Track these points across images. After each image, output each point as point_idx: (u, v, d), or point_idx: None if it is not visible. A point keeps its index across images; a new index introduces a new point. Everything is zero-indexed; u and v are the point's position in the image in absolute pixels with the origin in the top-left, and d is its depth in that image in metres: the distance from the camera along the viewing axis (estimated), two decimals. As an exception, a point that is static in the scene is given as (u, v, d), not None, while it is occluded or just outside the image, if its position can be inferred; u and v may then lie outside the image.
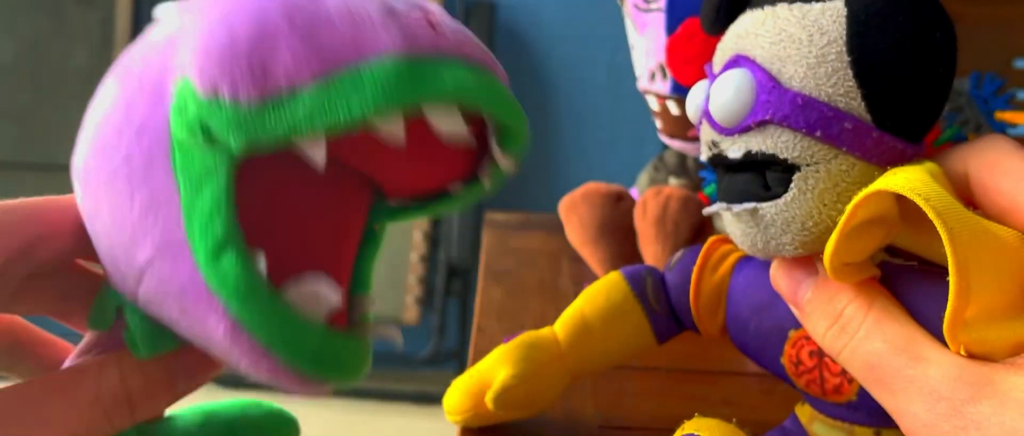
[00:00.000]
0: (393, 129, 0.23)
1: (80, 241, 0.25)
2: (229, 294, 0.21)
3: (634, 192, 0.59)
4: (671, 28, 0.48)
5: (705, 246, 0.32)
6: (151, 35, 0.25)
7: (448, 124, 0.23)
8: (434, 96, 0.22)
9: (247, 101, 0.21)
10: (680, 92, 0.49)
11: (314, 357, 0.23)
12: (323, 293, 0.25)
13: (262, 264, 0.22)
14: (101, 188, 0.23)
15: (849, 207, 0.22)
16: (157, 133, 0.22)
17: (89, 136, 0.24)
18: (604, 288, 0.34)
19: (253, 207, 0.23)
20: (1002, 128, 0.35)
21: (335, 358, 0.23)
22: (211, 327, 0.22)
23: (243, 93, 0.21)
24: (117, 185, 0.23)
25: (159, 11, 0.27)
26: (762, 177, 0.25)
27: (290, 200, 0.27)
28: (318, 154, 0.22)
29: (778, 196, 0.24)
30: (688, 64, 0.47)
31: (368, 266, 0.29)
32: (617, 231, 0.52)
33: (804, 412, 0.31)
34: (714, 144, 0.26)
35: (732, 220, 0.26)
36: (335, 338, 0.23)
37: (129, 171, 0.22)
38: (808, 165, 0.24)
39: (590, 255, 0.53)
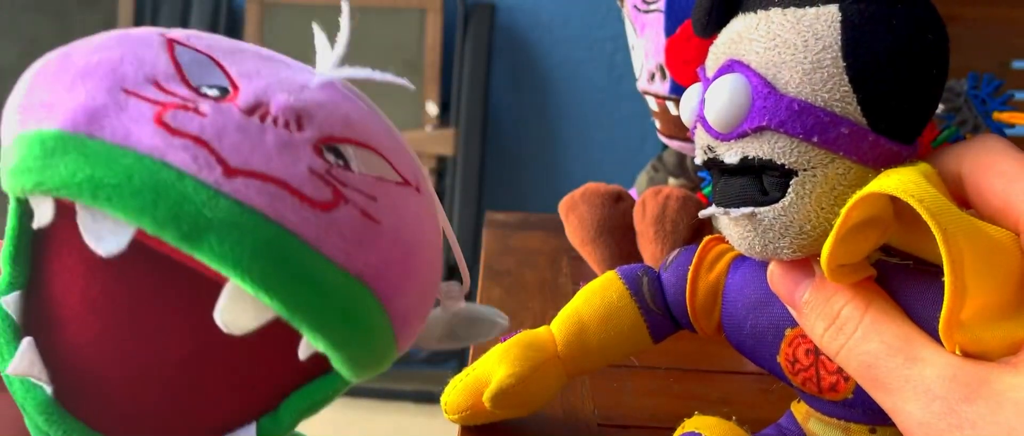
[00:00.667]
0: (42, 213, 0.20)
1: None
2: None
3: (633, 192, 0.59)
4: (670, 29, 0.48)
5: (701, 245, 0.32)
6: None
7: (99, 236, 0.19)
8: (63, 188, 0.18)
9: None
10: (679, 93, 0.49)
11: None
12: None
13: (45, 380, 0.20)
14: None
15: (844, 209, 0.22)
16: None
17: None
18: (600, 288, 0.34)
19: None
20: (1000, 129, 0.35)
21: None
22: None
23: None
24: None
25: None
26: (759, 181, 0.25)
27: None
28: (44, 215, 0.20)
29: (775, 200, 0.24)
30: (687, 65, 0.47)
31: (291, 407, 0.23)
32: (616, 231, 0.52)
33: (800, 410, 0.31)
34: (710, 149, 0.26)
35: (729, 223, 0.26)
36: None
37: None
38: (805, 170, 0.24)
39: (589, 255, 0.54)
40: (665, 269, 0.33)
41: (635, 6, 0.51)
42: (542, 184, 1.68)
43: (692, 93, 0.27)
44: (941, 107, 0.36)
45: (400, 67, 1.63)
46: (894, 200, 0.23)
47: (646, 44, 0.51)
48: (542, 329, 0.35)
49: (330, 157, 0.21)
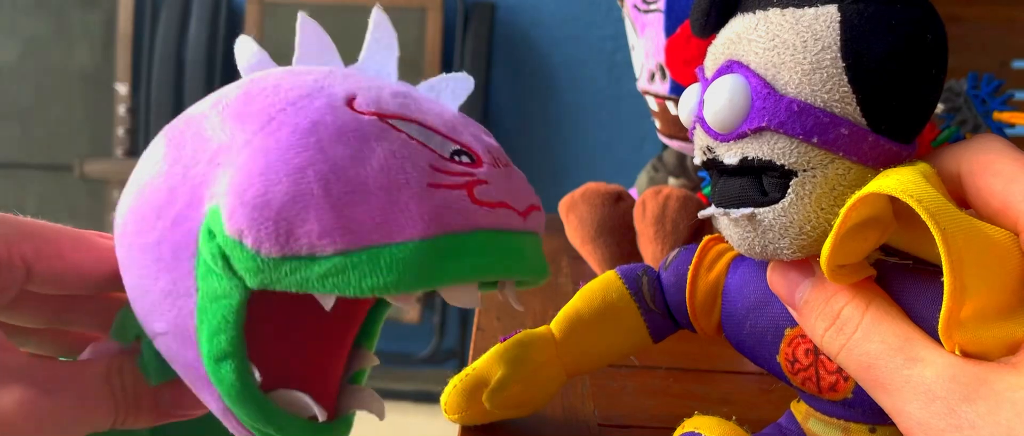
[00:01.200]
0: (404, 301, 0.24)
1: (104, 275, 0.27)
2: (225, 393, 0.23)
3: (633, 192, 0.59)
4: (670, 29, 0.49)
5: (700, 245, 0.32)
6: (210, 115, 0.26)
7: (460, 300, 0.24)
8: (447, 281, 0.23)
9: (267, 253, 0.22)
10: (679, 92, 0.49)
11: None
12: (303, 406, 0.26)
13: (256, 376, 0.24)
14: (134, 251, 0.25)
15: (843, 210, 0.22)
16: (189, 232, 0.23)
17: (132, 192, 0.26)
18: (600, 287, 0.34)
19: (256, 322, 0.24)
20: (1000, 128, 0.35)
21: None
22: (207, 399, 0.25)
23: (265, 247, 0.22)
24: (147, 259, 0.24)
25: (240, 46, 0.29)
26: (758, 182, 0.25)
27: (291, 321, 0.29)
28: (327, 302, 0.23)
29: (775, 201, 0.24)
30: (687, 65, 0.47)
31: (376, 325, 0.31)
32: (616, 231, 0.52)
33: (800, 409, 0.31)
34: (709, 149, 0.26)
35: (729, 224, 0.26)
36: (314, 429, 0.26)
37: (158, 254, 0.24)
38: (805, 170, 0.24)
39: (589, 254, 0.54)
40: (665, 269, 0.33)
41: (635, 6, 0.52)
42: (542, 184, 1.67)
43: (690, 93, 0.27)
44: (941, 107, 0.36)
45: (400, 67, 1.63)
46: (893, 200, 0.23)
47: (646, 44, 0.51)
48: (542, 329, 0.35)
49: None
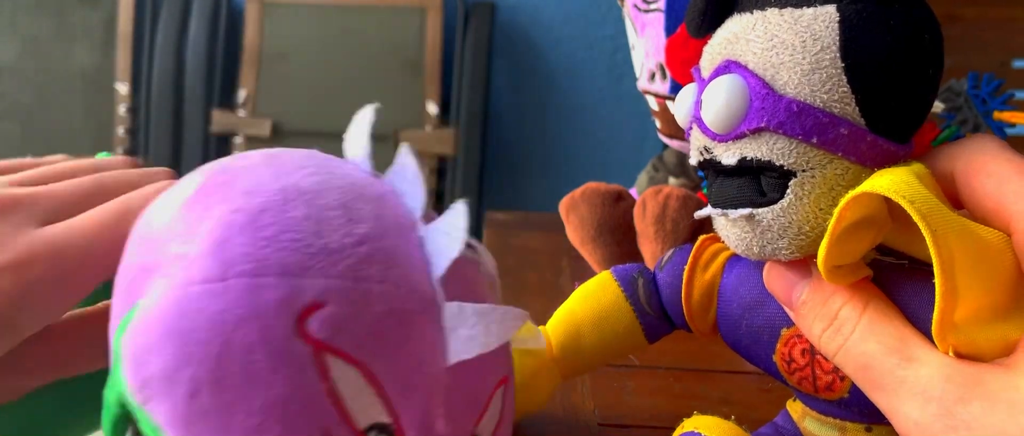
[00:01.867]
0: None
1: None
2: None
3: (633, 192, 0.59)
4: (670, 29, 0.49)
5: (696, 245, 0.32)
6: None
7: None
8: None
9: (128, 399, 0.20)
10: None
11: None
12: None
13: None
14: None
15: (837, 210, 0.22)
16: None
17: (164, 216, 0.22)
18: (595, 289, 0.34)
19: None
20: (1000, 128, 0.35)
21: None
22: None
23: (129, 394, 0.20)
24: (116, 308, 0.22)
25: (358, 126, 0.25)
26: (756, 182, 0.25)
27: None
28: None
29: (774, 201, 0.24)
30: (687, 65, 0.47)
31: None
32: (616, 230, 0.52)
33: (795, 408, 0.31)
34: (706, 150, 0.26)
35: (726, 224, 0.26)
36: None
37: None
38: (804, 171, 0.24)
39: (589, 254, 0.54)
40: (660, 269, 0.33)
41: (635, 5, 0.52)
42: (542, 184, 1.68)
43: (687, 93, 0.27)
44: (941, 106, 0.36)
45: (400, 67, 1.63)
46: (888, 199, 0.23)
47: (646, 43, 0.51)
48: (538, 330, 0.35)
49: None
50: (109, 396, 0.20)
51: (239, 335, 0.19)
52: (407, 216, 0.22)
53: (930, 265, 0.23)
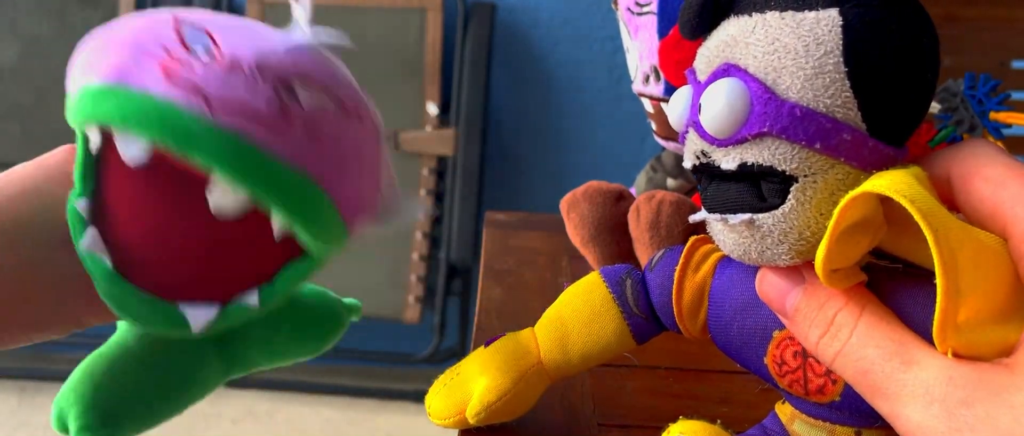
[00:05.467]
0: (92, 137, 0.29)
1: None
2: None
3: (633, 192, 0.59)
4: (663, 31, 0.49)
5: (686, 246, 0.32)
6: None
7: (127, 152, 0.27)
8: (102, 119, 0.27)
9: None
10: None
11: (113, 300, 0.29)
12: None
13: (90, 239, 0.29)
14: None
15: (837, 211, 0.22)
16: None
17: None
18: (582, 290, 0.34)
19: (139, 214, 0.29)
20: (997, 129, 0.35)
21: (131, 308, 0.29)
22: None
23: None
24: None
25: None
26: (755, 187, 0.25)
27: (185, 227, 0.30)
28: (93, 139, 0.29)
29: (775, 207, 0.24)
30: (681, 66, 0.47)
31: (284, 279, 0.31)
32: (616, 230, 0.52)
33: (784, 411, 0.30)
34: (703, 154, 0.25)
35: (723, 229, 0.26)
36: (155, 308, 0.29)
37: None
38: (805, 176, 0.24)
39: (589, 253, 0.54)
40: (651, 270, 0.33)
41: (629, 8, 0.52)
42: (542, 184, 1.68)
43: (681, 96, 0.27)
44: (938, 107, 0.36)
45: (400, 67, 1.63)
46: (884, 203, 0.23)
47: (640, 46, 0.51)
48: (526, 333, 0.34)
49: (284, 95, 0.28)
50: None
51: (134, 15, 0.30)
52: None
53: (924, 268, 0.23)
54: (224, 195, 0.28)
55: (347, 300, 0.37)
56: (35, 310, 0.29)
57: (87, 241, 0.29)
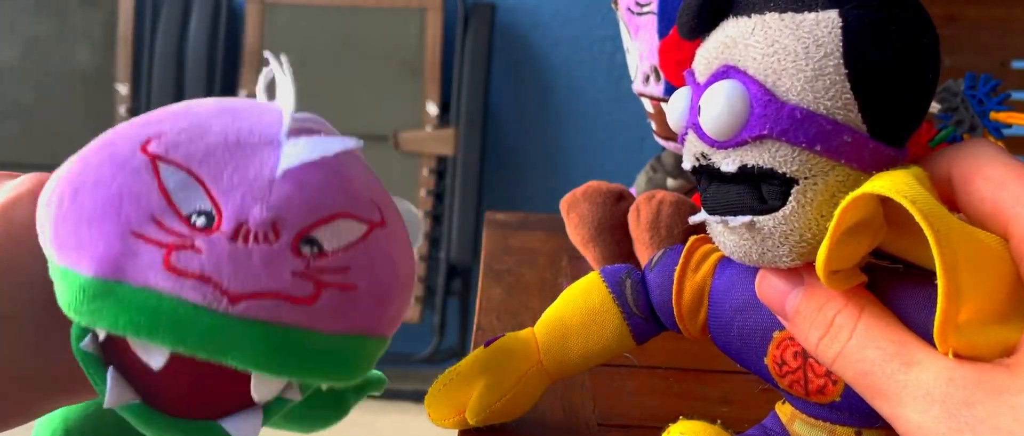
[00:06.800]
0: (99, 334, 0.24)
1: None
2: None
3: (633, 192, 0.59)
4: (663, 31, 0.49)
5: (686, 245, 0.32)
6: None
7: (150, 357, 0.23)
8: (105, 325, 0.23)
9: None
10: (676, 94, 0.49)
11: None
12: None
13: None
14: None
15: (837, 211, 0.22)
16: None
17: None
18: (583, 291, 0.34)
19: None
20: (997, 129, 0.35)
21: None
22: None
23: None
24: None
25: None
26: (756, 189, 0.24)
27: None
28: (151, 357, 0.24)
29: (775, 209, 0.24)
30: (681, 66, 0.47)
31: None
32: (616, 229, 0.52)
33: (784, 411, 0.30)
34: (703, 156, 0.25)
35: (724, 231, 0.26)
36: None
37: None
38: (806, 178, 0.23)
39: (589, 253, 0.54)
40: (651, 269, 0.33)
41: (629, 8, 0.52)
42: (542, 184, 1.68)
43: (679, 97, 0.26)
44: (938, 107, 0.36)
45: (400, 67, 1.63)
46: (884, 203, 0.23)
47: (640, 46, 0.51)
48: (525, 333, 0.34)
49: (306, 250, 0.25)
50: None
51: (94, 159, 0.25)
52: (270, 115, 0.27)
53: (924, 269, 0.23)
54: (262, 388, 0.25)
55: (371, 373, 0.33)
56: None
57: (113, 395, 0.24)
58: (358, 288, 0.25)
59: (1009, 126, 0.34)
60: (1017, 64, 1.07)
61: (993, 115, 0.35)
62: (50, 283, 0.24)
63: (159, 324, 0.22)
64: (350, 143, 0.27)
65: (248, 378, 0.25)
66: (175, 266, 0.23)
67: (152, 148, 0.25)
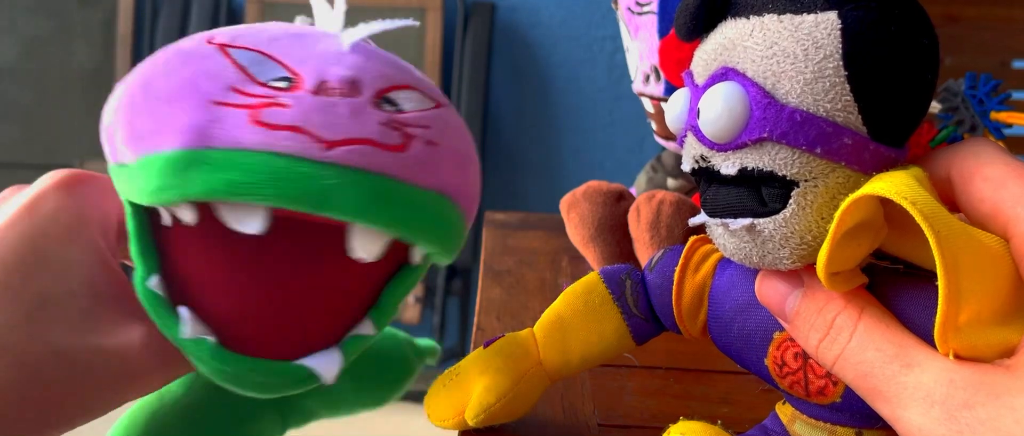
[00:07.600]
0: (183, 214, 0.24)
1: None
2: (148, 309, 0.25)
3: (633, 192, 0.59)
4: (663, 31, 0.49)
5: (686, 246, 0.31)
6: None
7: (245, 224, 0.23)
8: (197, 194, 0.22)
9: (110, 163, 0.25)
10: (675, 94, 0.49)
11: (213, 368, 0.25)
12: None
13: (155, 286, 0.25)
14: None
15: (838, 213, 0.22)
16: None
17: None
18: (582, 291, 0.33)
19: (235, 266, 0.25)
20: (998, 128, 0.35)
21: (232, 374, 0.25)
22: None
23: (108, 157, 0.25)
24: None
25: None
26: (756, 192, 0.24)
27: (284, 270, 0.26)
28: (186, 216, 0.24)
29: (776, 212, 0.24)
30: (681, 66, 0.47)
31: (392, 299, 0.28)
32: (616, 229, 0.52)
33: (785, 412, 0.30)
34: (703, 158, 0.25)
35: (724, 234, 0.26)
36: (216, 354, 0.25)
37: None
38: (806, 181, 0.23)
39: (589, 253, 0.54)
40: (650, 270, 0.33)
41: (629, 8, 0.52)
42: (542, 184, 1.68)
43: (678, 99, 0.26)
44: (938, 107, 0.36)
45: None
46: (884, 204, 0.23)
47: (640, 46, 0.51)
48: (525, 333, 0.34)
49: (387, 107, 0.25)
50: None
51: (161, 58, 0.25)
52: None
53: (925, 270, 0.23)
54: (366, 244, 0.24)
55: (421, 341, 0.34)
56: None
57: (188, 328, 0.24)
58: (441, 145, 0.25)
59: (1010, 126, 0.34)
60: (1017, 64, 1.07)
61: (994, 115, 0.35)
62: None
63: (256, 180, 0.22)
64: (408, 21, 0.28)
65: (322, 311, 0.25)
66: (264, 121, 0.22)
67: (218, 40, 0.26)
